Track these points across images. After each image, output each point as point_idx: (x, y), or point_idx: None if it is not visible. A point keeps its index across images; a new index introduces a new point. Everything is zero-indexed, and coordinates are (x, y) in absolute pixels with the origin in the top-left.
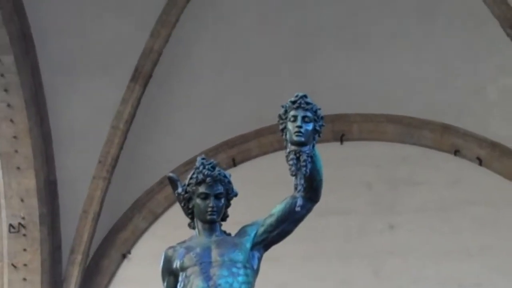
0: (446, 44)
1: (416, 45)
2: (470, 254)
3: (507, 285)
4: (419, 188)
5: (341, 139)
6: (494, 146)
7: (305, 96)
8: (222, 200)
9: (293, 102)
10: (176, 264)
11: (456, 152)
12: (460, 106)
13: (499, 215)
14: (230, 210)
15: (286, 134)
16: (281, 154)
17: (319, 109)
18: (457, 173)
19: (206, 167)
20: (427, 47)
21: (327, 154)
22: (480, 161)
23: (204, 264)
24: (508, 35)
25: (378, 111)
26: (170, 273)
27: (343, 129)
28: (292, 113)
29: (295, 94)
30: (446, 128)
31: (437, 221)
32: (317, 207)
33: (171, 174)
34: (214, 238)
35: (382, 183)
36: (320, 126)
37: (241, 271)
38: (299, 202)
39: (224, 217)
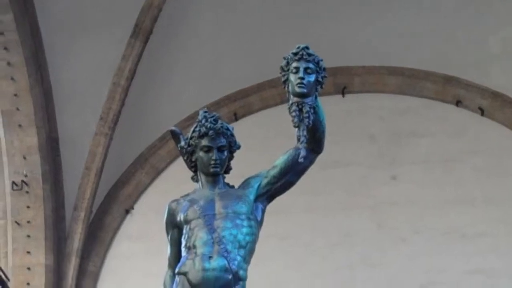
0: None
1: None
2: (473, 204)
3: (510, 235)
4: (422, 140)
5: (343, 91)
6: (496, 96)
7: (306, 47)
8: (225, 153)
9: (295, 54)
10: (180, 217)
11: (458, 103)
12: (461, 57)
13: (501, 165)
14: (233, 163)
15: (288, 86)
16: (283, 108)
17: (321, 60)
18: (459, 124)
19: (209, 120)
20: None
21: (329, 106)
22: (482, 112)
23: (208, 216)
24: None
25: (380, 63)
26: (174, 226)
27: (345, 81)
28: (294, 64)
29: (297, 46)
30: (448, 79)
31: (439, 172)
32: (319, 160)
33: (173, 128)
34: (217, 190)
35: (384, 135)
36: (323, 77)
37: (245, 223)
38: (303, 153)
39: (227, 170)
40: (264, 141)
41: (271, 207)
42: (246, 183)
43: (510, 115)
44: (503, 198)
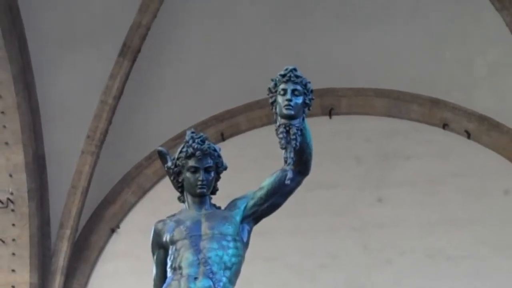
0: (434, 18)
1: (404, 18)
2: (458, 226)
3: (494, 257)
4: (408, 162)
5: (330, 113)
6: (482, 119)
7: (294, 69)
8: (212, 174)
9: (283, 76)
10: (166, 237)
11: (445, 126)
12: (448, 79)
13: (486, 188)
14: (219, 184)
15: (275, 108)
16: (270, 128)
17: (309, 82)
18: (446, 146)
19: (196, 140)
20: (415, 21)
21: (316, 128)
22: (468, 135)
23: (194, 237)
24: (496, 8)
25: (367, 85)
26: (160, 247)
27: (332, 103)
28: (281, 86)
29: (285, 67)
30: (435, 102)
31: (425, 194)
32: (306, 181)
33: (160, 148)
34: (204, 211)
35: (370, 157)
36: (310, 99)
37: (231, 244)
38: (289, 175)
39: (214, 191)
40: (251, 162)
41: (258, 228)
42: (232, 204)
43: (496, 138)
44: (488, 220)
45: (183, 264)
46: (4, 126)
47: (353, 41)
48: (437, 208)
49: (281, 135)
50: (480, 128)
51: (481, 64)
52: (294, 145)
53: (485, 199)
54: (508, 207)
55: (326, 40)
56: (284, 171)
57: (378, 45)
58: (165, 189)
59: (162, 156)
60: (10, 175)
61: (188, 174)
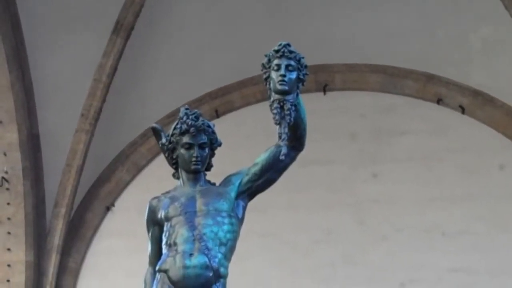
0: None
1: None
2: (454, 202)
3: (490, 232)
4: (403, 137)
5: (324, 89)
6: (476, 94)
7: (288, 44)
8: (206, 150)
9: (277, 51)
10: (161, 214)
11: (439, 101)
12: (442, 55)
13: (482, 163)
14: (214, 160)
15: (269, 83)
16: (264, 105)
17: (303, 57)
18: (440, 122)
19: (190, 117)
20: None
21: (311, 104)
22: (463, 110)
23: (189, 213)
24: None
25: (361, 61)
26: (155, 223)
27: (326, 79)
28: (275, 62)
29: (278, 43)
30: (429, 77)
31: (420, 170)
32: (301, 157)
33: (154, 125)
34: (198, 188)
35: (365, 132)
36: (304, 74)
37: (226, 220)
38: (284, 150)
39: (209, 167)
40: (245, 138)
41: (252, 204)
42: (227, 181)
43: (491, 113)
44: (484, 195)
45: (178, 241)
46: None
47: (347, 17)
48: (432, 184)
49: (275, 111)
50: (474, 103)
51: (475, 40)
52: (288, 121)
53: (480, 174)
54: (503, 182)
55: (320, 17)
56: (278, 146)
57: (373, 21)
58: (160, 167)
59: (156, 133)
60: (5, 154)
61: (182, 151)
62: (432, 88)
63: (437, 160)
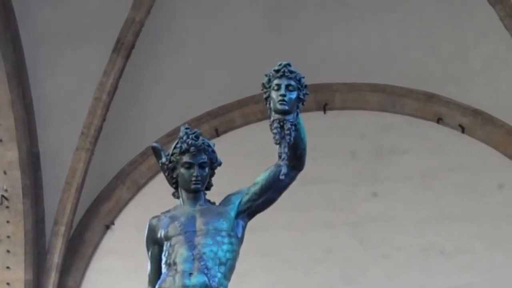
0: (429, 13)
1: (398, 13)
2: (453, 221)
3: (489, 252)
4: (403, 157)
5: (324, 108)
6: (476, 113)
7: (288, 64)
8: (206, 169)
9: (277, 71)
10: (161, 233)
11: (439, 120)
12: (442, 74)
13: (481, 182)
14: (214, 180)
15: (270, 103)
16: (264, 124)
17: (303, 77)
18: (440, 141)
19: (190, 136)
20: (409, 15)
21: (311, 123)
22: (462, 129)
23: (189, 233)
24: (489, 2)
25: (361, 80)
26: (155, 243)
27: (326, 98)
28: (275, 81)
29: (279, 63)
30: (429, 97)
31: (420, 189)
32: (301, 176)
33: (154, 144)
34: (198, 207)
35: (365, 151)
36: (304, 94)
37: (226, 240)
38: (284, 170)
39: (208, 186)
40: (245, 157)
41: (252, 223)
42: (227, 200)
43: (491, 132)
44: (483, 214)
45: (178, 260)
46: None
47: (348, 36)
48: (432, 203)
49: (275, 130)
50: (474, 122)
51: (475, 59)
52: (288, 140)
53: (479, 194)
54: (503, 201)
55: (320, 36)
56: (278, 166)
57: (373, 40)
58: (160, 185)
59: (156, 152)
60: (5, 172)
61: (182, 170)
62: (432, 107)
63: (436, 179)
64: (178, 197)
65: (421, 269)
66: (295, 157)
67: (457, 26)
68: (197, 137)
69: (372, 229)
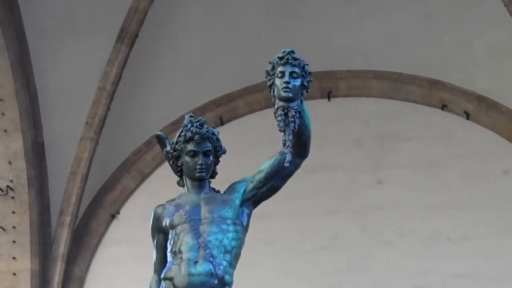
0: (432, 0)
1: (402, 0)
2: (458, 207)
3: (495, 238)
4: (407, 143)
5: (329, 95)
6: (481, 100)
7: (292, 51)
8: (211, 157)
9: (281, 58)
10: (166, 222)
11: (444, 107)
12: (447, 61)
13: (486, 169)
14: (218, 168)
15: (274, 90)
16: (268, 112)
17: (307, 64)
18: (445, 127)
19: (194, 124)
20: (413, 3)
21: (315, 111)
22: (467, 115)
23: (194, 221)
24: None
25: (365, 67)
26: (160, 231)
27: (330, 85)
28: (279, 69)
29: (283, 50)
30: (433, 83)
31: (425, 176)
32: (305, 164)
33: (159, 133)
34: (203, 195)
35: (369, 139)
36: (308, 81)
37: (231, 228)
38: (288, 157)
39: (213, 175)
40: (250, 146)
41: (257, 211)
42: (231, 188)
43: (495, 118)
44: (488, 201)
45: (183, 248)
46: (3, 114)
47: (352, 23)
48: (437, 190)
49: (279, 118)
50: (479, 108)
51: (480, 45)
52: (292, 128)
53: (484, 180)
54: (508, 188)
55: (324, 23)
56: (283, 154)
57: (376, 27)
58: (165, 174)
59: (160, 140)
60: (10, 163)
61: (187, 158)
62: (437, 94)
63: (441, 166)
64: (183, 186)
65: (426, 256)
66: (300, 145)
67: (461, 13)
68: (201, 125)
69: (377, 216)
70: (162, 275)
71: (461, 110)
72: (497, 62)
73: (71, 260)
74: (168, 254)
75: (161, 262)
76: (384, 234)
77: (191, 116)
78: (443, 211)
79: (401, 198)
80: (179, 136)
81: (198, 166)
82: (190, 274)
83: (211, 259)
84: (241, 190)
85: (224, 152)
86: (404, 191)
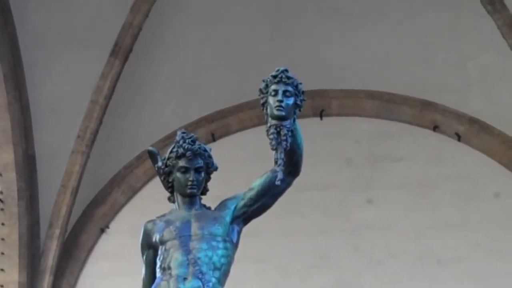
0: (426, 21)
1: (396, 21)
2: (449, 229)
3: (485, 260)
4: (398, 164)
5: (321, 114)
6: (472, 122)
7: (286, 70)
8: (202, 174)
9: (274, 77)
10: (156, 237)
11: (435, 128)
12: (439, 82)
13: (477, 190)
14: (210, 184)
15: (266, 109)
16: (260, 129)
17: (300, 83)
18: (436, 149)
19: (186, 141)
20: (407, 23)
21: (307, 129)
22: (459, 137)
23: (184, 237)
24: (488, 11)
25: (358, 87)
26: (150, 247)
27: (323, 104)
28: (273, 87)
29: (276, 69)
30: (426, 104)
31: (415, 197)
32: (297, 182)
33: (150, 148)
34: (193, 211)
35: (361, 158)
36: (301, 100)
37: (221, 245)
38: (279, 176)
39: (204, 191)
40: (241, 163)
41: (248, 229)
42: (222, 205)
43: (487, 141)
44: (479, 223)
45: (173, 265)
46: None
47: (345, 43)
48: (427, 211)
49: (271, 136)
50: (470, 130)
51: (473, 67)
52: (284, 146)
53: (475, 202)
54: (499, 210)
55: (317, 42)
56: (274, 172)
57: (370, 47)
58: (155, 189)
59: (152, 156)
60: (0, 174)
61: (178, 174)
62: (428, 115)
63: (432, 187)
64: (173, 202)
65: (416, 277)
66: (291, 163)
67: (455, 34)
68: (193, 141)
69: (367, 236)
70: None
71: (452, 132)
72: (490, 84)
73: (59, 273)
74: (157, 270)
75: (150, 278)
76: (375, 253)
77: (183, 132)
78: (434, 232)
79: (392, 218)
80: (171, 152)
81: (190, 183)
82: None
83: (200, 276)
84: (232, 207)
85: (216, 169)
86: (395, 211)
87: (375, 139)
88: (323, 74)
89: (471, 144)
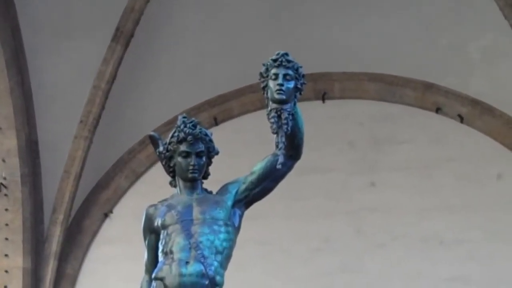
0: (429, 2)
1: (398, 3)
2: (452, 211)
3: (487, 242)
4: (401, 146)
5: (323, 97)
6: (475, 103)
7: (286, 54)
8: (204, 158)
9: (274, 60)
10: (158, 222)
11: (438, 110)
12: (441, 64)
13: (480, 172)
14: (211, 169)
15: (267, 92)
16: (262, 113)
17: (301, 67)
18: (439, 131)
19: (187, 125)
20: (409, 5)
21: (309, 112)
22: (461, 119)
23: (186, 222)
24: None
25: (360, 69)
26: (152, 231)
27: (325, 87)
28: (273, 71)
29: (276, 52)
30: (428, 86)
31: (418, 179)
32: (298, 165)
33: (152, 133)
34: (195, 196)
35: (363, 141)
36: (302, 84)
37: (223, 229)
38: (280, 159)
39: (206, 175)
40: (243, 146)
41: (250, 212)
42: (224, 189)
43: (489, 122)
44: (482, 205)
45: (175, 249)
46: None
47: (347, 25)
48: (430, 193)
49: (272, 120)
50: (473, 112)
51: (475, 49)
52: (285, 130)
53: (478, 184)
54: (501, 191)
55: (319, 25)
56: (275, 155)
57: (372, 29)
58: (158, 174)
59: (153, 141)
60: (3, 160)
61: (179, 159)
62: (431, 97)
63: (435, 169)
64: (175, 186)
65: (419, 259)
66: (292, 147)
67: (456, 16)
68: (194, 126)
69: (370, 218)
70: (153, 275)
71: (455, 114)
72: (492, 66)
73: (63, 258)
74: (160, 254)
75: (152, 262)
76: (378, 236)
77: (184, 117)
78: (437, 214)
79: (394, 200)
80: (172, 136)
81: (191, 167)
82: (181, 275)
83: (202, 260)
84: (233, 191)
85: (217, 153)
86: (398, 193)
87: (377, 122)
88: (325, 57)
89: (474, 125)
